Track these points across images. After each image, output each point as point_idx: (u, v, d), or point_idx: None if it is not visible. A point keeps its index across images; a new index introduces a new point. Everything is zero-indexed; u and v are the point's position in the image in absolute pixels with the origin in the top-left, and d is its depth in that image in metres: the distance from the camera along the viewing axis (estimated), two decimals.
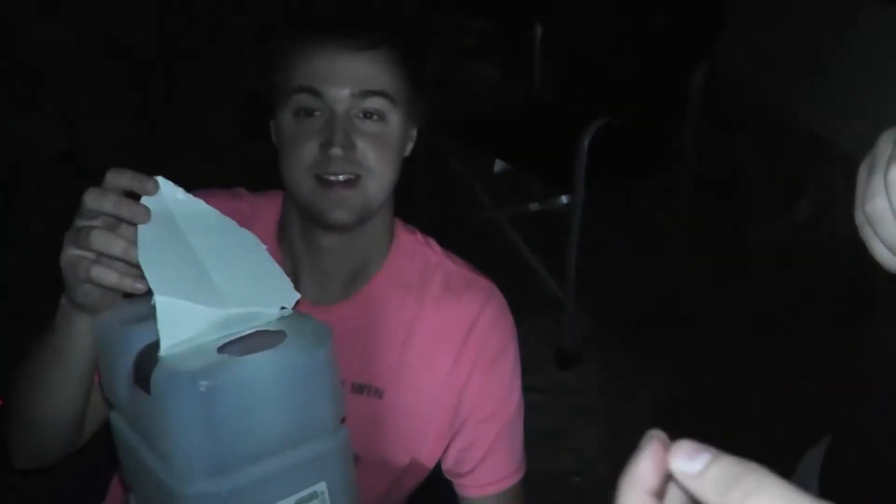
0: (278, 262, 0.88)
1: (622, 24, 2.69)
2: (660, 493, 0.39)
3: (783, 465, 0.36)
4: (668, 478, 0.39)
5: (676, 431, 0.40)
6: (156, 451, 0.77)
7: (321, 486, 0.79)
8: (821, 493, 0.60)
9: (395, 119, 1.03)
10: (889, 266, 0.59)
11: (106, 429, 0.89)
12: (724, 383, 2.31)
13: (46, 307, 0.92)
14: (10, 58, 2.79)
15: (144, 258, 0.79)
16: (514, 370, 1.15)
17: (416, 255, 1.13)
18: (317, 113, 1.01)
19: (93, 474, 1.15)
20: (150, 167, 0.85)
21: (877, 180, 0.56)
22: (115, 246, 0.81)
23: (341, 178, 1.00)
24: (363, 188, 1.01)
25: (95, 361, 0.91)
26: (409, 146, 1.10)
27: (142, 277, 0.79)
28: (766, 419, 2.15)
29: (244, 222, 0.88)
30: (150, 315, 0.77)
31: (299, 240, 1.08)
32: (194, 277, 0.80)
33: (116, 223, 0.83)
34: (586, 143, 2.31)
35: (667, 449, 0.38)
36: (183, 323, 0.77)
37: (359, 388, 1.08)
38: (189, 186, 0.87)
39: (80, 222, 0.83)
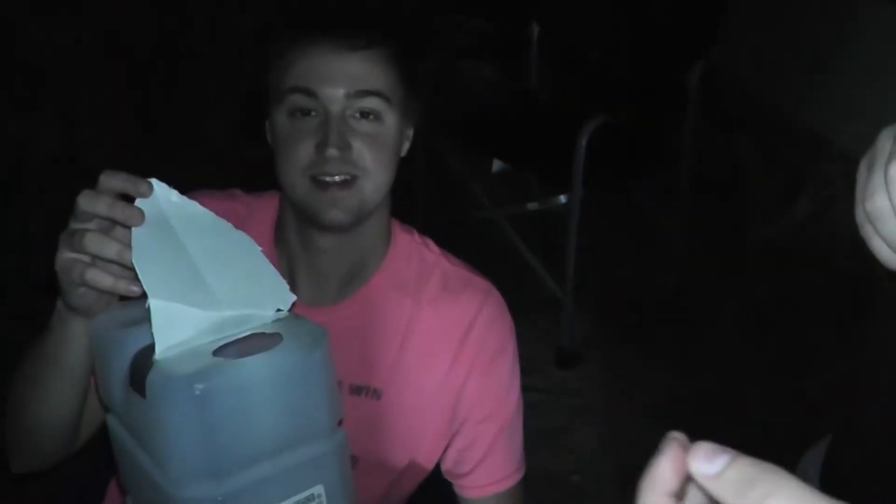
0: (274, 263, 0.88)
1: (621, 23, 2.68)
2: (680, 495, 0.40)
3: (783, 466, 0.36)
4: (688, 479, 0.39)
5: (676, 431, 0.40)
6: (152, 454, 0.77)
7: (318, 489, 0.79)
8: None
9: (390, 119, 1.03)
10: (890, 264, 0.59)
11: (103, 432, 0.88)
12: (724, 383, 2.31)
13: (46, 307, 0.92)
14: (10, 58, 2.79)
15: (139, 261, 0.79)
16: (513, 370, 1.14)
17: (413, 255, 1.12)
18: (312, 113, 1.00)
19: (90, 477, 1.14)
20: (150, 167, 0.85)
21: (877, 177, 0.56)
22: (110, 249, 0.80)
23: (337, 178, 1.00)
24: (359, 189, 1.01)
25: (91, 364, 0.91)
26: (406, 146, 1.10)
27: (137, 280, 0.79)
28: (766, 419, 2.14)
29: (240, 223, 0.88)
30: (146, 318, 0.76)
31: (295, 240, 1.08)
32: (189, 280, 0.79)
33: (110, 226, 0.82)
34: (584, 142, 2.30)
35: (686, 451, 0.39)
36: (178, 326, 0.77)
37: (357, 390, 1.08)
38: (188, 186, 0.87)
39: (74, 225, 0.82)
